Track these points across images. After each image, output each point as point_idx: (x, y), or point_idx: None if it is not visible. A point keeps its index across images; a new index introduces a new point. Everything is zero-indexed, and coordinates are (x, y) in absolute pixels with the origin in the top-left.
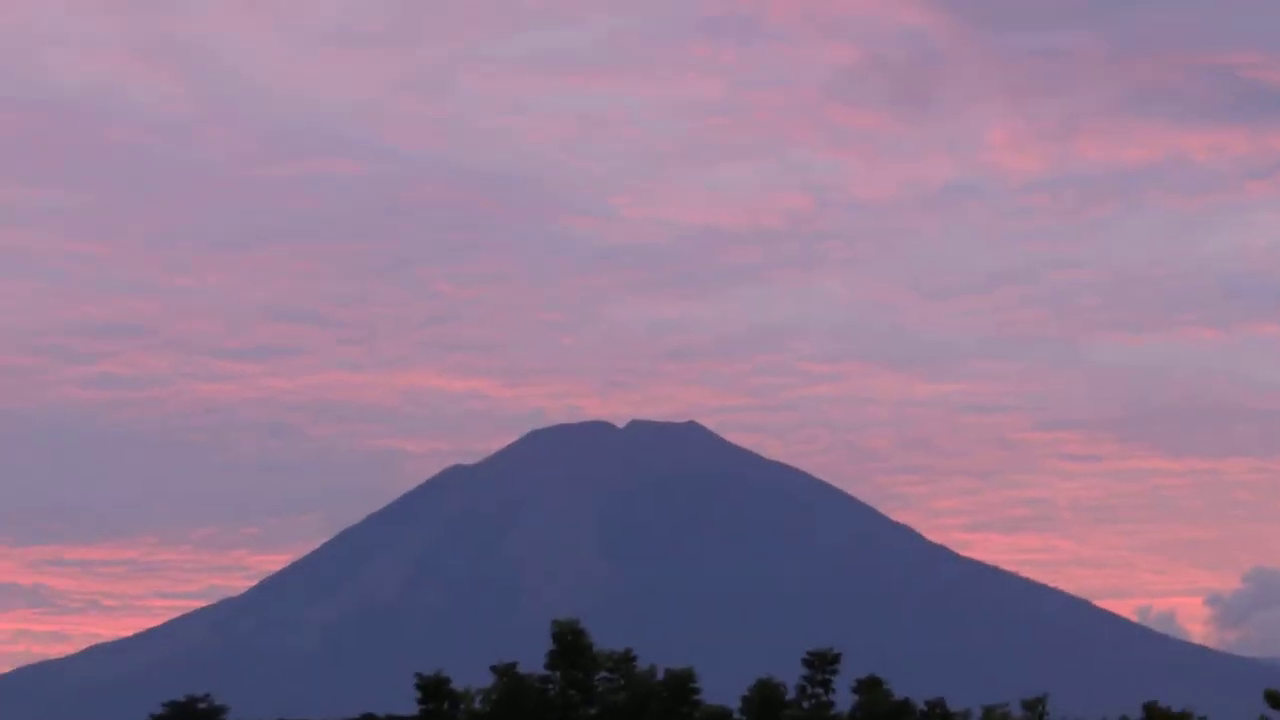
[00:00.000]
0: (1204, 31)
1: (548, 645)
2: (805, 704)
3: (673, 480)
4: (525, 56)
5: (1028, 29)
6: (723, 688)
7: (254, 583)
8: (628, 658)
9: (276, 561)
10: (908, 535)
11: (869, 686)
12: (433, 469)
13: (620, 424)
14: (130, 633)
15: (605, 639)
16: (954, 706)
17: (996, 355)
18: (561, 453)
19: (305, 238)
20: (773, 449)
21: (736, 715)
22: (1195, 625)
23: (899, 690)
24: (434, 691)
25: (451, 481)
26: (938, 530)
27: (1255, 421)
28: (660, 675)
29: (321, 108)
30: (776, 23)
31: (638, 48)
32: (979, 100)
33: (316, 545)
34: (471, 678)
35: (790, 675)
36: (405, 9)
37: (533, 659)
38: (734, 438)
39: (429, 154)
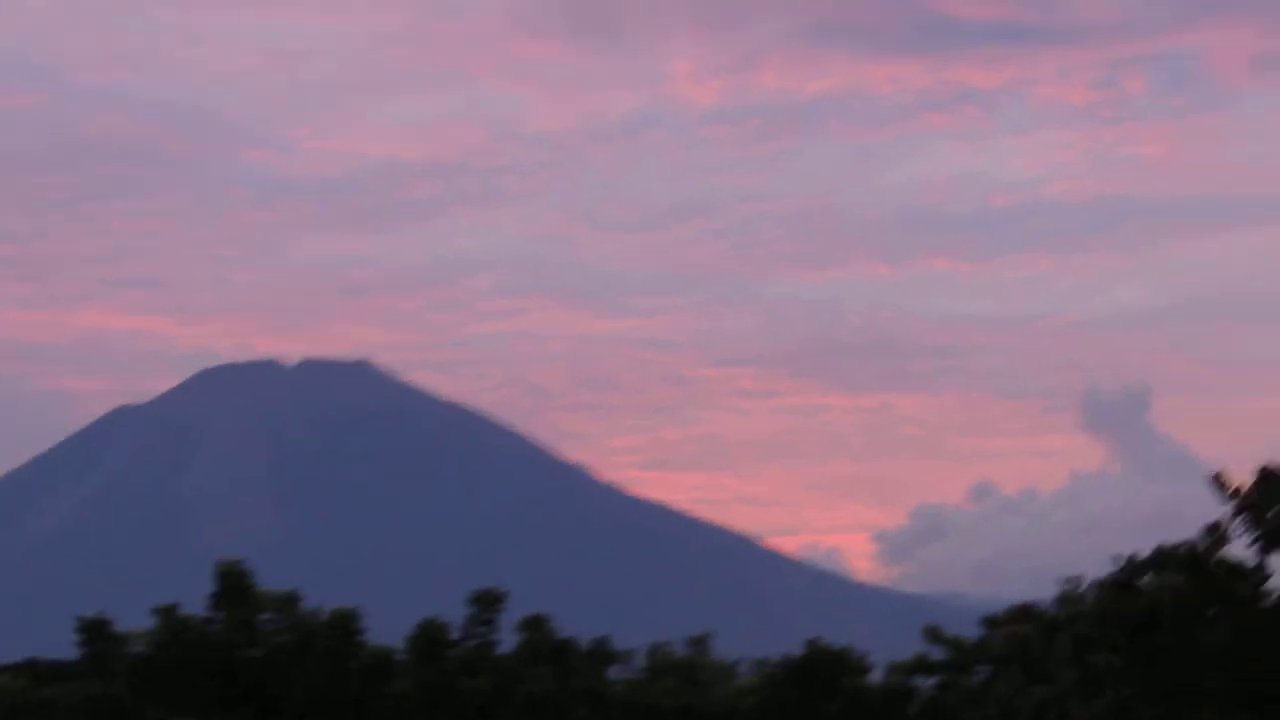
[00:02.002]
0: None
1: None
2: (470, 644)
3: (343, 419)
4: None
5: None
6: (391, 629)
7: None
8: (293, 599)
9: None
10: (578, 475)
11: (533, 625)
12: (100, 409)
13: (290, 363)
14: None
15: (274, 580)
16: (620, 646)
17: (673, 290)
18: (230, 392)
19: None
20: (446, 387)
21: (400, 654)
22: (861, 562)
23: (565, 629)
24: (96, 633)
25: (118, 422)
26: (612, 469)
27: (925, 357)
28: (325, 617)
29: (3, 38)
30: None
31: None
32: (660, 31)
33: None
34: (137, 620)
35: (457, 616)
36: None
37: (199, 601)
38: (408, 376)
39: (106, 85)
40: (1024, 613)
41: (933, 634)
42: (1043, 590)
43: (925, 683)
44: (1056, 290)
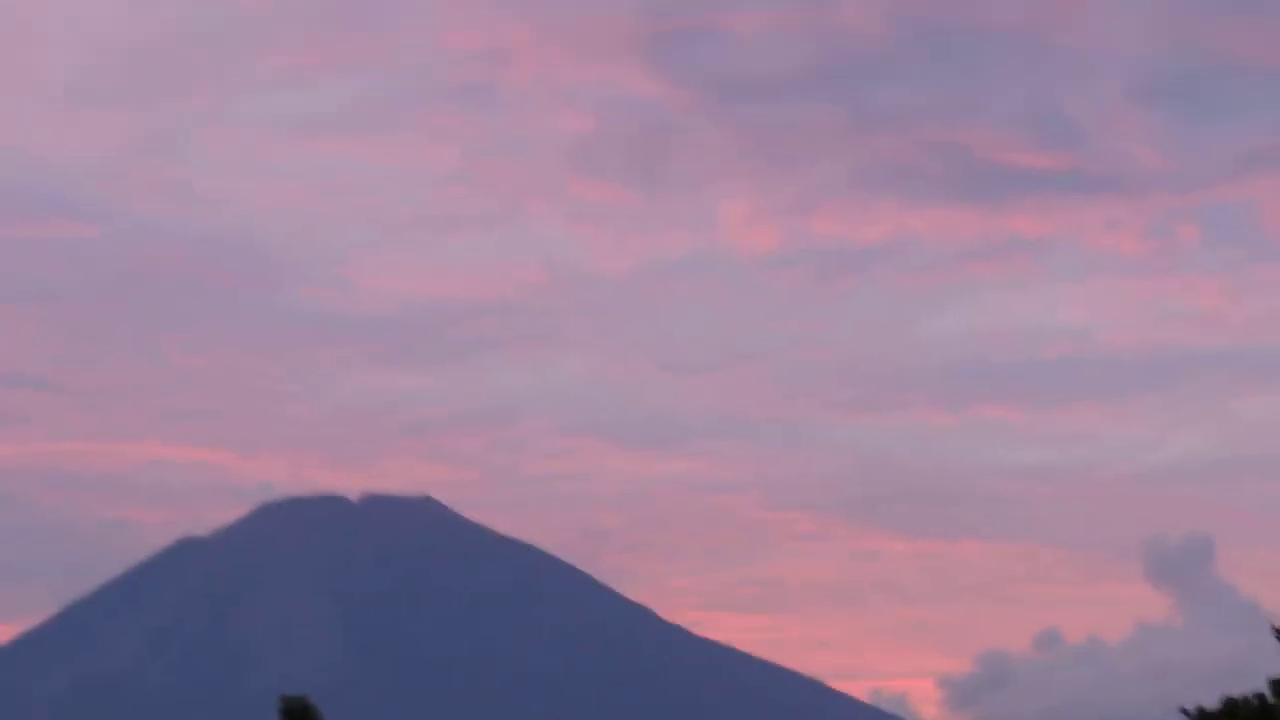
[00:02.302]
0: (935, 108)
1: None
2: None
3: (408, 556)
4: (263, 119)
5: (764, 101)
6: None
7: None
8: None
9: (4, 632)
10: (643, 614)
11: None
12: (164, 540)
13: (354, 497)
14: None
15: (337, 715)
16: None
17: (731, 433)
18: (294, 526)
19: (34, 301)
20: (506, 524)
21: None
22: (927, 707)
23: None
24: None
25: (183, 553)
26: (673, 610)
27: (983, 504)
28: None
29: (54, 168)
30: (514, 91)
31: (376, 114)
32: (715, 175)
33: (45, 617)
34: None
35: None
36: (141, 67)
37: None
38: (468, 513)
39: (163, 218)
40: None
41: None
42: None
43: None
44: (1114, 440)
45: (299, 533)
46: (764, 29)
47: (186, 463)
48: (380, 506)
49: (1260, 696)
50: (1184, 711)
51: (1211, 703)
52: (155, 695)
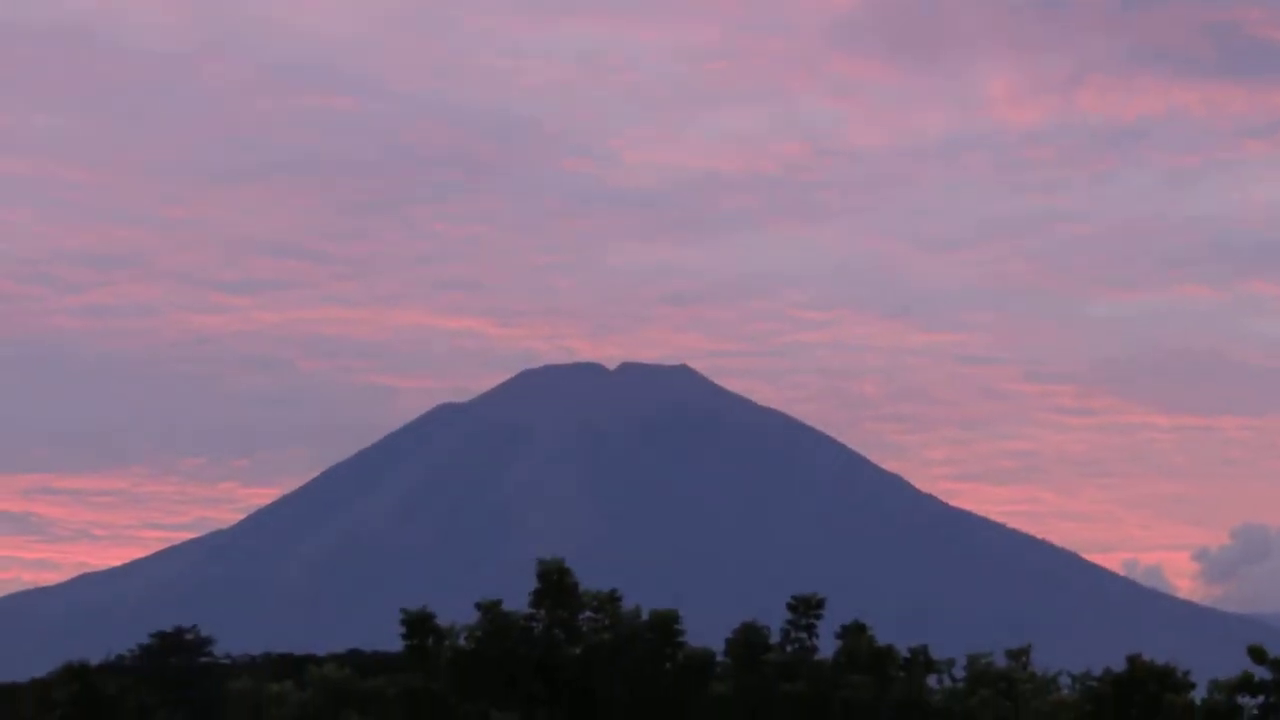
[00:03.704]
0: None
1: (534, 584)
2: (789, 648)
3: (662, 422)
4: None
5: None
6: (708, 630)
7: (242, 515)
8: (613, 598)
9: (265, 495)
10: (897, 483)
11: (853, 632)
12: (423, 406)
13: (611, 366)
14: (119, 562)
15: (592, 579)
16: (937, 655)
17: (990, 306)
18: (552, 393)
19: (300, 172)
20: (763, 394)
21: (720, 658)
22: (1182, 580)
23: (882, 637)
24: (419, 627)
25: (441, 419)
26: (926, 480)
27: (1248, 379)
28: (645, 616)
29: (320, 43)
30: None
31: None
32: (979, 52)
33: (305, 480)
34: (458, 614)
35: (775, 619)
36: None
37: (520, 597)
38: (725, 382)
39: (427, 93)
40: None
41: (1257, 654)
42: None
43: (1250, 702)
44: None
45: (556, 399)
46: None
47: (448, 330)
48: (637, 374)
49: None
50: None
51: None
52: (412, 557)
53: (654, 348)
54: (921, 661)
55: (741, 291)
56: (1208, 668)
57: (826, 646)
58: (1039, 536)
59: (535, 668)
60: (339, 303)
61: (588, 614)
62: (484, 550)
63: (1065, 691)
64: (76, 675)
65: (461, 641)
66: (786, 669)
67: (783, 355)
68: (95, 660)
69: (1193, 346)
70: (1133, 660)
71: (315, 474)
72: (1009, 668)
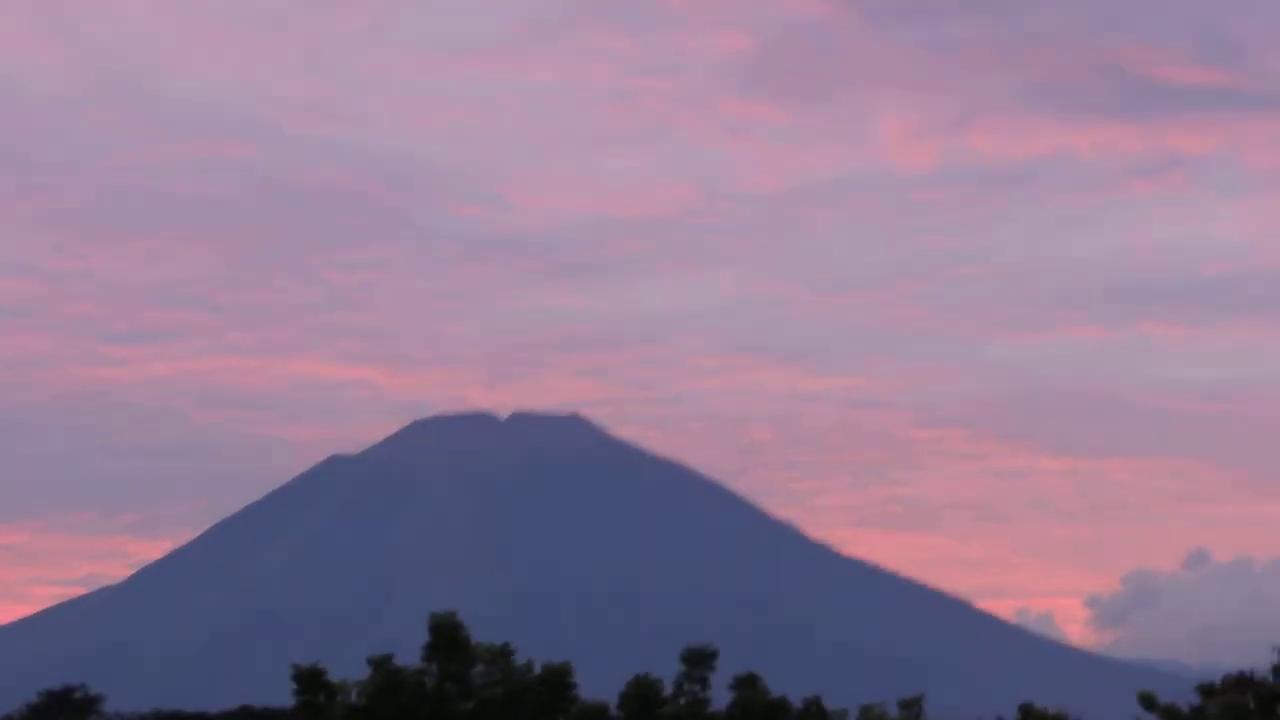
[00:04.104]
0: (1095, 26)
1: (426, 638)
2: (682, 700)
3: (553, 472)
4: (419, 40)
5: (920, 22)
6: (601, 684)
7: (132, 571)
8: (505, 652)
9: (156, 549)
10: (789, 532)
11: (746, 684)
12: (315, 458)
13: (503, 414)
14: (7, 620)
15: (485, 633)
16: (831, 705)
17: (884, 350)
18: (443, 443)
19: (192, 221)
20: (656, 441)
21: (614, 711)
22: (1073, 627)
23: (775, 688)
24: (310, 683)
25: (332, 470)
26: (819, 527)
27: (1138, 421)
28: (537, 670)
29: (210, 89)
30: (670, 10)
31: (532, 33)
32: (870, 93)
33: (196, 534)
34: (350, 670)
35: (669, 671)
36: None
37: (412, 652)
38: (618, 430)
39: (319, 137)
40: (1242, 682)
41: (1148, 701)
42: (1260, 660)
43: None
44: (1272, 358)
45: (447, 451)
46: None
47: (341, 380)
48: (528, 423)
49: None
50: None
51: None
52: (303, 611)
53: (547, 394)
54: (815, 712)
55: (634, 336)
56: (1100, 714)
57: (720, 698)
58: (931, 585)
59: None
60: (232, 353)
61: (480, 667)
62: (375, 603)
63: None
64: None
65: (354, 698)
66: None
67: (676, 402)
68: None
69: (1086, 388)
70: (1025, 709)
71: (205, 528)
72: (901, 717)
